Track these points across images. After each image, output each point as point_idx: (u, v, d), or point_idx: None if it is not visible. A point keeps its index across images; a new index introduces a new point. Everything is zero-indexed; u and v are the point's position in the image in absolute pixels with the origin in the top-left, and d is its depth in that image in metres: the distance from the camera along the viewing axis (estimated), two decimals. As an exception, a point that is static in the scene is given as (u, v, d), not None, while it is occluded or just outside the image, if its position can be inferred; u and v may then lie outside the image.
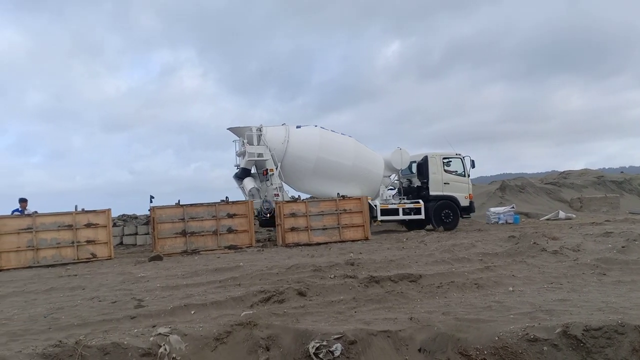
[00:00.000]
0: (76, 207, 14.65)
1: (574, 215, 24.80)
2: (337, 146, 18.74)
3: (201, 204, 16.26)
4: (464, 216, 20.64)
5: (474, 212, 21.62)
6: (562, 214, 23.97)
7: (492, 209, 24.15)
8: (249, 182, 17.99)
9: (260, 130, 18.08)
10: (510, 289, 7.26)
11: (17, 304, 7.78)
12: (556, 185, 34.91)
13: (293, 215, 16.37)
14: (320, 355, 4.93)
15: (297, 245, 15.80)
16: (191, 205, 16.05)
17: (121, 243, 19.54)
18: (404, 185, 20.92)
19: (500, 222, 22.31)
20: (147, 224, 19.62)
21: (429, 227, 19.85)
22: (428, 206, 19.44)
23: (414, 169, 20.69)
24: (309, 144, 18.33)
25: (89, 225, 14.46)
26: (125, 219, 21.29)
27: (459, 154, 20.75)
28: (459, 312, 5.83)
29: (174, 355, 4.84)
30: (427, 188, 19.86)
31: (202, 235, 15.52)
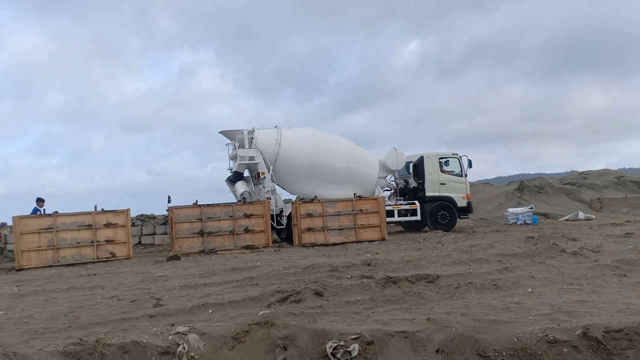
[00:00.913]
0: (96, 207, 14.85)
1: (593, 216, 24.49)
2: (330, 148, 18.57)
3: (218, 204, 16.37)
4: (462, 217, 20.44)
5: (472, 212, 21.46)
6: (581, 215, 23.68)
7: (511, 210, 23.95)
8: (240, 186, 17.87)
9: (251, 133, 18.00)
10: (529, 290, 7.19)
11: (38, 303, 7.89)
12: (575, 185, 34.50)
13: (309, 215, 16.40)
14: (338, 355, 4.94)
15: (314, 245, 15.82)
16: (209, 205, 16.17)
17: (139, 243, 19.76)
18: (400, 186, 20.79)
19: (519, 222, 22.11)
20: (165, 223, 19.83)
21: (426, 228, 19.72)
22: (424, 207, 19.30)
23: (411, 170, 20.58)
24: (301, 146, 18.18)
25: (108, 225, 14.63)
26: (143, 219, 21.54)
27: (456, 154, 20.59)
28: (477, 313, 5.79)
29: (192, 354, 4.88)
30: (423, 189, 19.74)
31: (220, 235, 15.62)
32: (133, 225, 18.81)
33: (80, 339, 4.95)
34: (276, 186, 18.42)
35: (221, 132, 18.68)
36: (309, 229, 16.29)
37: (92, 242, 14.37)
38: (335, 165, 18.42)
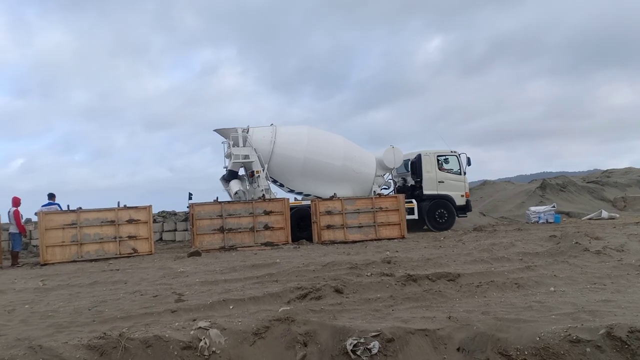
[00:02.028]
0: (118, 203, 15.05)
1: (617, 215, 24.07)
2: (325, 146, 18.50)
3: (238, 201, 16.52)
4: (460, 215, 20.19)
5: (471, 211, 21.22)
6: (604, 214, 23.29)
7: (532, 208, 23.67)
8: (235, 185, 17.83)
9: (246, 132, 17.94)
10: (552, 289, 7.10)
11: (62, 297, 8.04)
12: (599, 184, 33.91)
13: (329, 212, 16.42)
14: (358, 353, 4.94)
15: (333, 242, 15.83)
16: (229, 202, 16.35)
17: (161, 239, 19.98)
18: (398, 184, 20.65)
19: (541, 221, 21.85)
20: (185, 220, 20.02)
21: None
22: (422, 206, 19.11)
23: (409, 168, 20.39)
24: (296, 144, 18.12)
25: (130, 221, 14.82)
26: (164, 215, 21.75)
27: (455, 152, 20.38)
28: (499, 312, 5.74)
29: (213, 348, 4.92)
30: (421, 187, 19.56)
31: (240, 232, 15.73)
32: (154, 221, 19.02)
33: (104, 333, 5.02)
34: (271, 184, 18.36)
35: (216, 130, 18.62)
36: (329, 227, 16.31)
37: (115, 238, 14.57)
38: (331, 163, 18.33)
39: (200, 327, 5.16)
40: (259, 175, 17.72)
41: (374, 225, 16.58)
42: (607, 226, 17.55)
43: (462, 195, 19.85)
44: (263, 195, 17.47)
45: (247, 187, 18.28)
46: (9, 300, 7.95)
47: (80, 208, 14.73)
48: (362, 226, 16.54)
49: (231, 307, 6.55)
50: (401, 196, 17.58)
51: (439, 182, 19.65)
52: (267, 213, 16.04)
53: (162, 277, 9.65)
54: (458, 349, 4.99)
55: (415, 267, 9.04)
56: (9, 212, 14.55)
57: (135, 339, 4.88)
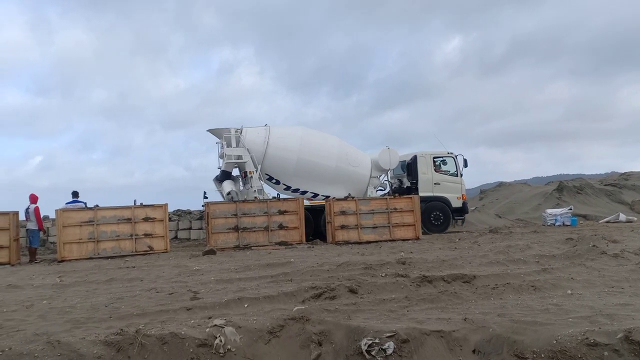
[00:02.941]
0: (135, 201, 15.19)
1: (635, 218, 23.72)
2: (319, 147, 18.38)
3: (253, 201, 16.58)
4: (457, 218, 19.97)
5: (468, 213, 20.96)
6: (622, 217, 22.97)
7: (549, 211, 23.42)
8: (227, 185, 17.72)
9: (238, 132, 17.86)
10: (569, 292, 7.03)
11: (79, 293, 8.13)
12: (616, 186, 33.47)
13: (343, 213, 16.40)
14: (373, 353, 4.93)
15: (347, 243, 15.82)
16: (244, 201, 16.41)
17: (176, 237, 20.11)
18: (394, 186, 20.48)
19: (557, 224, 21.61)
20: (200, 219, 20.13)
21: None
22: None
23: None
24: (289, 145, 17.99)
25: (146, 219, 14.95)
26: (180, 214, 21.90)
27: (451, 153, 20.16)
28: (515, 314, 5.69)
29: (229, 346, 4.94)
30: (417, 188, 19.35)
31: (254, 231, 15.78)
32: (170, 219, 19.16)
33: (121, 329, 5.07)
34: (265, 185, 18.26)
35: (209, 131, 18.55)
36: (343, 227, 16.30)
37: (131, 235, 14.71)
38: (325, 164, 18.22)
39: (215, 325, 5.20)
40: (251, 176, 17.60)
41: (389, 226, 16.53)
42: (624, 229, 17.33)
43: (458, 197, 19.60)
44: (256, 196, 17.33)
45: (241, 188, 18.18)
46: (28, 295, 8.06)
47: (98, 206, 14.89)
48: (376, 227, 16.50)
49: (246, 305, 6.58)
50: (416, 197, 17.49)
51: (435, 183, 19.44)
52: (281, 212, 16.07)
53: (177, 275, 9.72)
54: (474, 351, 4.97)
55: (431, 269, 9.01)
56: (27, 209, 14.72)
57: (152, 335, 4.92)
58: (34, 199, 14.86)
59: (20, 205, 15.32)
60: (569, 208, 23.42)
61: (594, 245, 10.83)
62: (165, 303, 6.86)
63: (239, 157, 17.65)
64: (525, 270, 8.61)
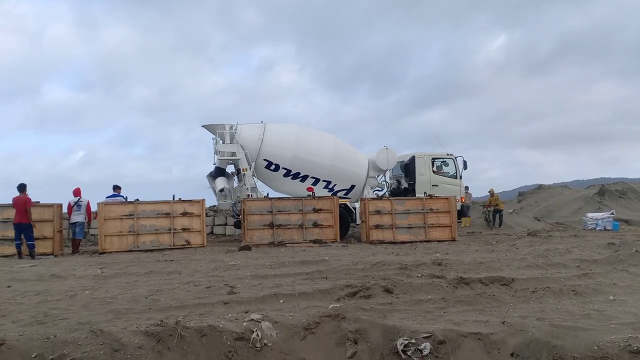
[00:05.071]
0: (173, 196, 15.47)
1: (680, 224, 22.94)
2: (315, 145, 18.07)
3: (289, 198, 16.67)
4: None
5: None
6: (668, 223, 22.24)
7: (590, 215, 22.85)
8: (220, 182, 17.49)
9: (233, 128, 17.63)
10: (611, 297, 6.85)
11: (120, 285, 8.34)
12: (661, 191, 32.42)
13: (378, 212, 16.35)
14: (409, 353, 4.91)
15: (381, 242, 15.76)
16: (279, 198, 16.51)
17: (211, 232, 20.42)
18: (393, 186, 20.12)
19: (598, 228, 21.05)
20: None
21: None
22: None
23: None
24: (285, 142, 17.71)
25: (184, 214, 15.21)
26: (216, 210, 22.20)
27: (451, 154, 19.77)
28: (555, 319, 5.58)
29: (265, 341, 5.00)
30: (414, 190, 19.00)
31: (289, 228, 15.86)
32: (206, 215, 19.46)
33: (161, 321, 5.19)
34: (259, 183, 18.09)
35: (204, 126, 18.37)
36: (377, 226, 16.24)
37: (170, 229, 14.99)
38: (320, 162, 17.95)
39: (252, 320, 5.26)
40: (244, 173, 17.40)
41: (424, 227, 16.39)
42: (670, 236, 16.75)
43: (457, 200, 19.21)
44: (249, 194, 17.18)
45: (234, 185, 18.01)
46: (71, 285, 8.31)
47: (138, 200, 15.22)
48: (411, 227, 16.38)
49: (281, 301, 6.63)
50: (452, 198, 17.28)
51: (433, 185, 19.05)
52: (316, 211, 16.11)
53: (214, 270, 9.86)
54: (512, 355, 4.90)
55: (467, 270, 8.90)
56: (77, 202, 15.02)
57: (191, 327, 5.02)
58: (78, 192, 15.22)
59: (63, 198, 15.73)
60: (610, 212, 22.78)
61: (636, 251, 10.56)
62: (203, 296, 6.98)
63: (233, 153, 17.41)
64: (565, 275, 8.44)
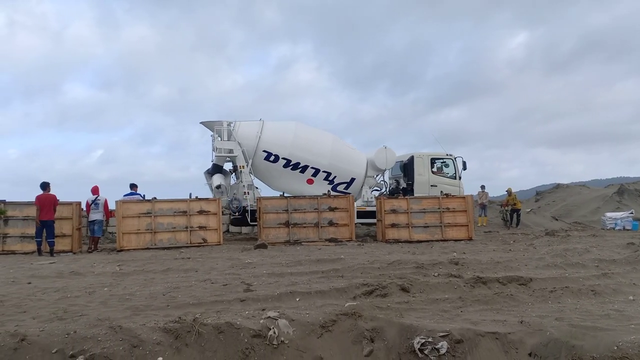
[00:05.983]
0: (190, 195, 15.57)
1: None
2: (312, 143, 18.01)
3: (304, 197, 16.66)
4: None
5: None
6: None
7: (609, 214, 22.57)
8: (217, 179, 17.46)
9: (230, 125, 17.59)
10: (631, 297, 6.77)
11: (138, 282, 8.42)
12: (682, 191, 31.88)
13: (394, 211, 16.29)
14: (425, 352, 4.90)
15: (397, 241, 15.70)
16: (295, 197, 16.51)
17: (227, 231, 20.47)
18: (392, 186, 19.95)
19: (617, 228, 20.79)
20: (252, 213, 20.35)
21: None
22: None
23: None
24: (282, 140, 17.66)
25: (201, 212, 15.29)
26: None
27: (450, 155, 19.58)
28: (574, 319, 5.53)
29: (282, 338, 5.02)
30: (412, 190, 18.80)
31: (304, 227, 15.88)
32: (222, 213, 19.54)
33: (179, 318, 5.24)
34: (256, 181, 18.04)
35: (202, 123, 18.36)
36: (393, 225, 16.19)
37: (186, 227, 15.08)
38: (317, 161, 17.90)
39: (269, 317, 5.29)
40: (241, 171, 17.38)
41: (441, 226, 16.30)
42: (692, 236, 16.47)
43: None
44: (245, 191, 17.16)
45: (231, 182, 18.02)
46: (89, 282, 8.41)
47: (155, 198, 15.34)
48: (427, 226, 16.30)
49: (298, 299, 6.65)
50: (469, 197, 17.17)
51: (432, 185, 18.90)
52: (331, 209, 16.11)
53: (230, 267, 9.92)
54: (530, 354, 4.86)
55: (485, 270, 8.84)
56: (95, 200, 15.16)
57: (208, 324, 5.05)
58: (97, 190, 15.37)
59: (82, 196, 15.90)
60: (630, 212, 22.48)
61: (657, 251, 10.37)
62: (220, 294, 7.02)
63: (230, 150, 17.42)
64: (584, 275, 8.35)
